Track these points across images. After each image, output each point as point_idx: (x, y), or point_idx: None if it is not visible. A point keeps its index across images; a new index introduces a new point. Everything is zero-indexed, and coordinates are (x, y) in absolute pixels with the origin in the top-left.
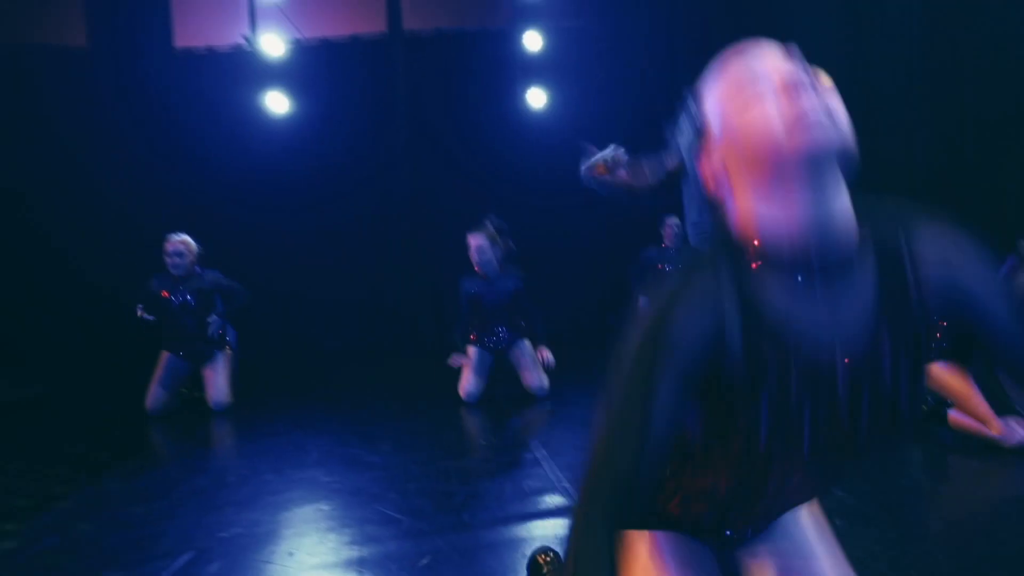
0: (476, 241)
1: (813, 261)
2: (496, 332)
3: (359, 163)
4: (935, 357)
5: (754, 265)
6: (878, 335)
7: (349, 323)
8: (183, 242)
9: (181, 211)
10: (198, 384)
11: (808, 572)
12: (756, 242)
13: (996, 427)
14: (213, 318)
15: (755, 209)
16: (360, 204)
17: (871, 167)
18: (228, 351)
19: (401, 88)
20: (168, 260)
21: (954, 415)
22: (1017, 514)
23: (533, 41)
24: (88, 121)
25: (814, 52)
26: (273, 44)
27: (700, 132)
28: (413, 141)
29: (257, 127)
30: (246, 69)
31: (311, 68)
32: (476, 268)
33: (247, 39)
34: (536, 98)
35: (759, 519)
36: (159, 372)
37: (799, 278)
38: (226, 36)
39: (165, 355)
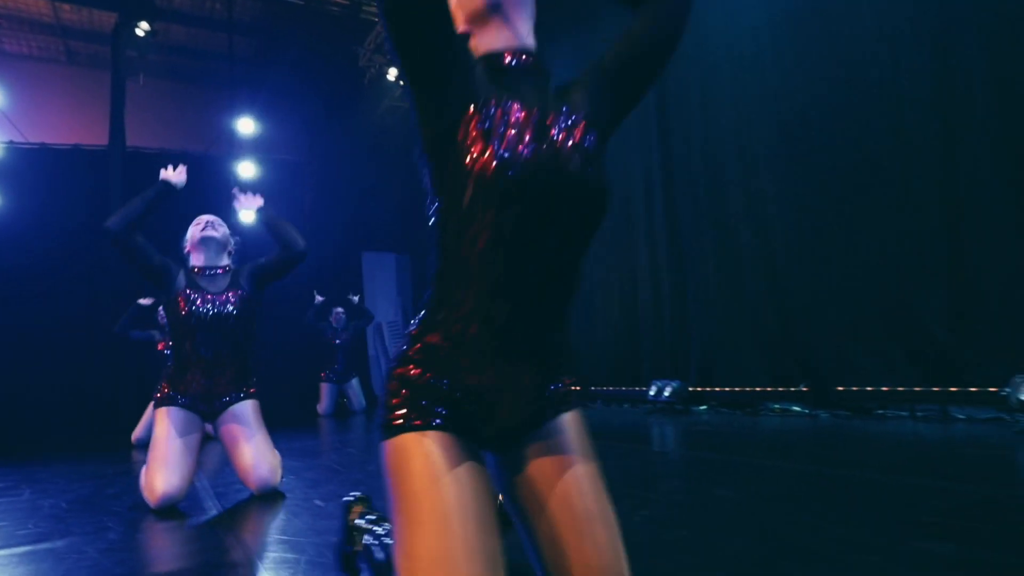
0: None
1: None
2: None
3: (69, 261)
4: None
5: None
6: None
7: (52, 410)
8: None
9: None
10: None
11: (571, 480)
12: None
13: None
14: None
15: None
16: (68, 300)
17: None
18: None
19: (117, 197)
20: None
21: None
22: None
23: (247, 169)
24: None
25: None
26: None
27: None
28: None
29: None
30: None
31: (29, 170)
32: None
33: None
34: (247, 217)
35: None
36: None
37: None
38: None
39: None
